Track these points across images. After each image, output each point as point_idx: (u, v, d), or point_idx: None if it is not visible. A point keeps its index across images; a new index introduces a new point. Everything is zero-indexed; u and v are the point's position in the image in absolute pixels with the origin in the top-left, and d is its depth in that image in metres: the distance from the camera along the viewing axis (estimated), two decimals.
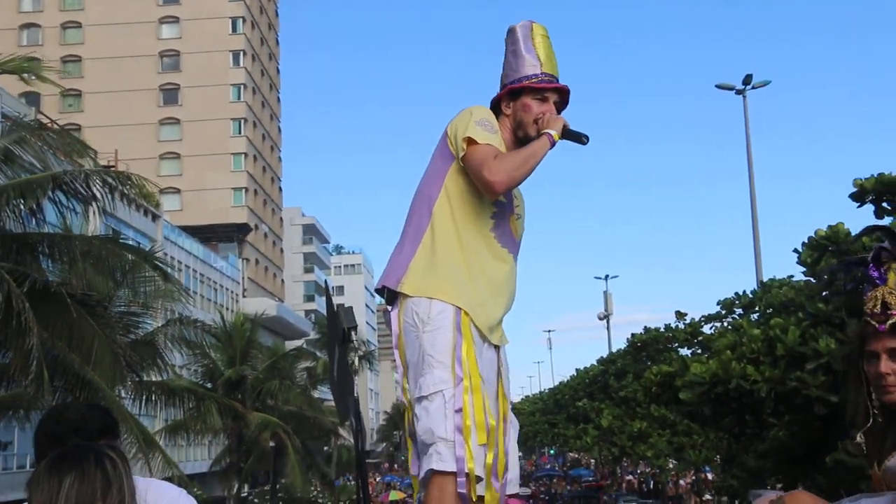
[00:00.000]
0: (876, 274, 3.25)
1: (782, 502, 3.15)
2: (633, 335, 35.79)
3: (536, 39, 3.89)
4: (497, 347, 3.89)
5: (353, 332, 5.48)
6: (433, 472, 3.53)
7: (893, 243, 3.32)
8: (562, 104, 3.92)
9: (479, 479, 3.53)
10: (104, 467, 2.32)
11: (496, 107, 3.94)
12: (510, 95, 3.89)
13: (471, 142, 3.67)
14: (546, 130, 3.73)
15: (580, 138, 3.79)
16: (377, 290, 3.96)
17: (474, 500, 3.52)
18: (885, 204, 14.95)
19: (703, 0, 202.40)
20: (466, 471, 3.49)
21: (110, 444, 2.72)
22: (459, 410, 3.54)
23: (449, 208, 3.78)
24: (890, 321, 3.15)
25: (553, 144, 3.71)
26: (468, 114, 3.79)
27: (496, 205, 3.84)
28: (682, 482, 53.14)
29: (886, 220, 14.75)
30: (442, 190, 3.81)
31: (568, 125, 3.78)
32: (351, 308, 5.70)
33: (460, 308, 3.69)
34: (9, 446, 35.45)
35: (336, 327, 5.39)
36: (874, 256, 3.30)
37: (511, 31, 3.94)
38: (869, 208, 15.12)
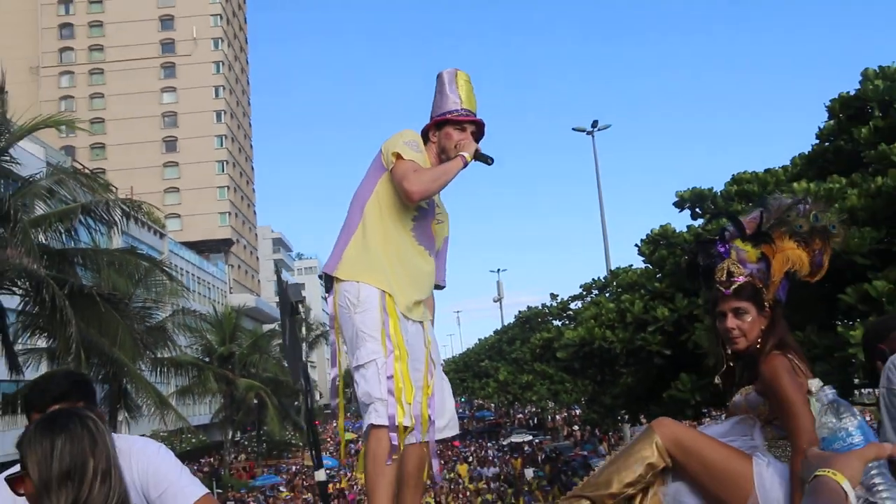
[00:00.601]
0: (722, 249, 3.18)
1: (651, 428, 3.05)
2: (520, 312, 35.88)
3: (459, 83, 3.68)
4: (422, 322, 3.63)
5: (300, 305, 5.09)
6: (371, 427, 3.31)
7: (735, 226, 3.24)
8: (479, 134, 3.71)
9: (406, 428, 3.32)
10: (89, 427, 2.04)
11: (425, 135, 3.71)
12: (436, 126, 3.67)
13: (398, 157, 3.45)
14: (461, 153, 3.52)
15: (486, 160, 3.58)
16: (320, 277, 3.72)
17: (402, 448, 3.31)
18: (697, 209, 15.18)
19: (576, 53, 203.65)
20: (397, 424, 3.29)
21: (88, 407, 2.46)
22: (391, 377, 3.31)
23: (378, 209, 3.52)
24: (733, 286, 3.08)
25: (465, 164, 3.50)
26: (399, 135, 3.57)
27: (418, 210, 3.59)
28: (558, 417, 53.55)
29: (699, 222, 14.98)
30: (374, 194, 3.54)
31: (479, 149, 3.57)
32: (297, 284, 5.31)
33: (384, 291, 3.43)
34: None
35: (285, 302, 5.01)
36: (720, 236, 3.23)
37: (439, 76, 3.73)
38: (687, 213, 15.36)
